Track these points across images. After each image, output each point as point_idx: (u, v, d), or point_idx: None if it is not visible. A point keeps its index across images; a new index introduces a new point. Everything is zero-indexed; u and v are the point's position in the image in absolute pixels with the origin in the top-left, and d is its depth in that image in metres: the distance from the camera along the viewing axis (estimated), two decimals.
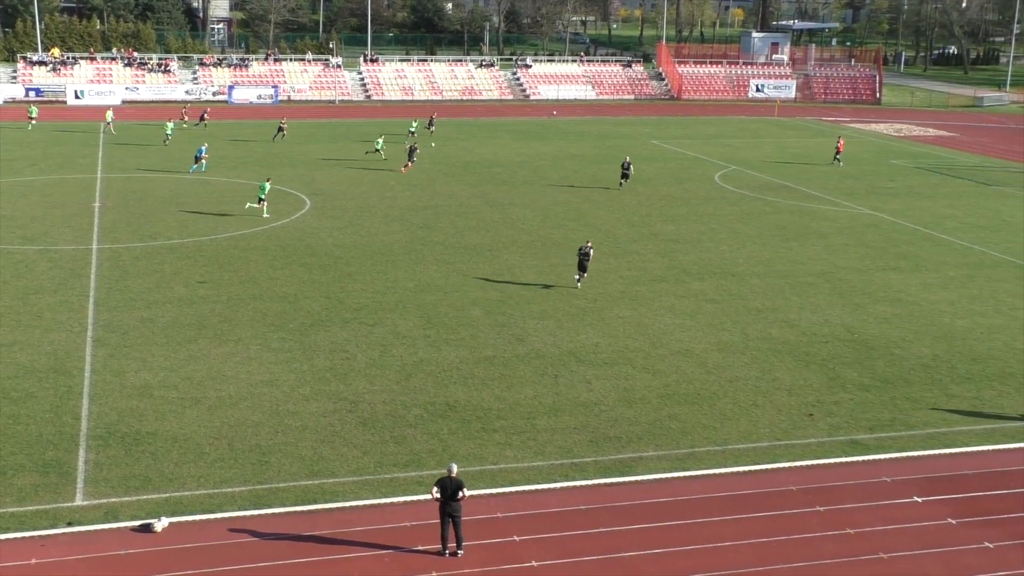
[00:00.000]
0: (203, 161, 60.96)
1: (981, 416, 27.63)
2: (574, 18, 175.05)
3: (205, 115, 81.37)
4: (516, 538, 21.11)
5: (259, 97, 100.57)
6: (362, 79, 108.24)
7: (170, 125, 72.26)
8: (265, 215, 48.61)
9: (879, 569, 20.27)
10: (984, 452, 25.59)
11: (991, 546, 21.24)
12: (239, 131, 78.38)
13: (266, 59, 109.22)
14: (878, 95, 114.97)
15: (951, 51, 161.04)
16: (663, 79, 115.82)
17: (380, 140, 66.01)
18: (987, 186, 62.12)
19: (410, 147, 63.74)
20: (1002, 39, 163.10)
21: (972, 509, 22.72)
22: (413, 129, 75.17)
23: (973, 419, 27.42)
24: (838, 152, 68.95)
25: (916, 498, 23.19)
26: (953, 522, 22.18)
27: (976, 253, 45.04)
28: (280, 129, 74.43)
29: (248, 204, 49.63)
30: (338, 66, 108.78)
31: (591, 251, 38.63)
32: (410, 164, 61.84)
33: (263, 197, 48.71)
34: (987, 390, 29.40)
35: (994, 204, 56.32)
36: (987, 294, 38.80)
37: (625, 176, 58.88)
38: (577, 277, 38.54)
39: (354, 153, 67.08)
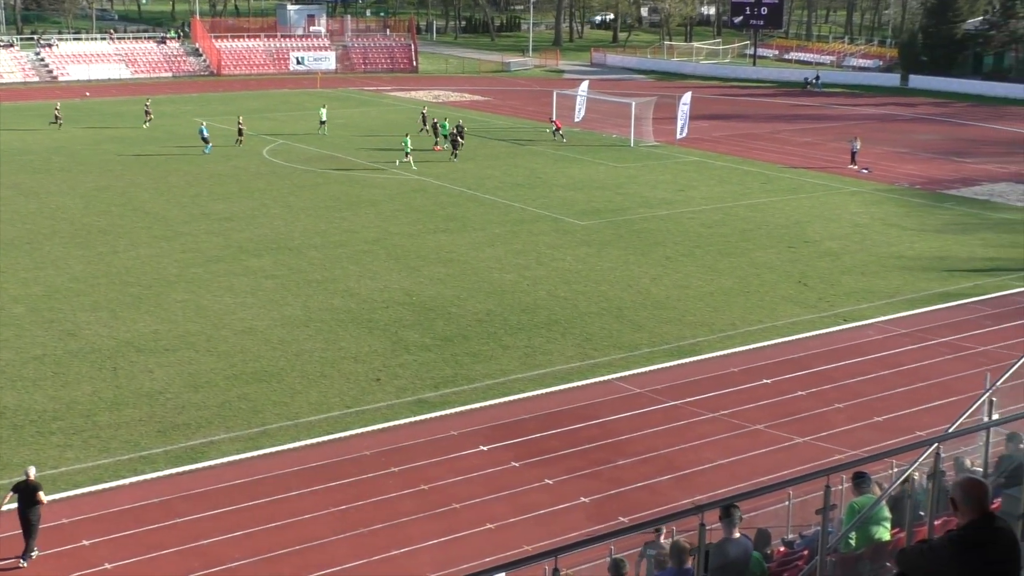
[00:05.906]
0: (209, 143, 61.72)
1: (533, 363, 29.54)
2: None
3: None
4: (86, 542, 20.08)
5: None
6: None
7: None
8: (414, 168, 56.28)
9: (452, 520, 21.19)
10: (538, 396, 27.37)
11: (551, 482, 22.80)
12: None
13: None
14: (415, 63, 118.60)
15: (478, 19, 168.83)
16: (200, 55, 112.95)
17: None
18: (520, 145, 66.00)
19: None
20: (522, 7, 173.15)
21: (532, 451, 24.26)
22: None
23: (526, 366, 29.25)
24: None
25: (482, 447, 24.43)
26: (516, 465, 23.59)
27: (516, 210, 47.81)
28: (56, 118, 70.72)
29: (398, 161, 57.36)
30: None
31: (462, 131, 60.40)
32: None
33: (409, 151, 57.02)
34: (537, 338, 31.41)
35: (528, 163, 59.96)
36: (529, 248, 41.34)
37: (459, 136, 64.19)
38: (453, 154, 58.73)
39: None
